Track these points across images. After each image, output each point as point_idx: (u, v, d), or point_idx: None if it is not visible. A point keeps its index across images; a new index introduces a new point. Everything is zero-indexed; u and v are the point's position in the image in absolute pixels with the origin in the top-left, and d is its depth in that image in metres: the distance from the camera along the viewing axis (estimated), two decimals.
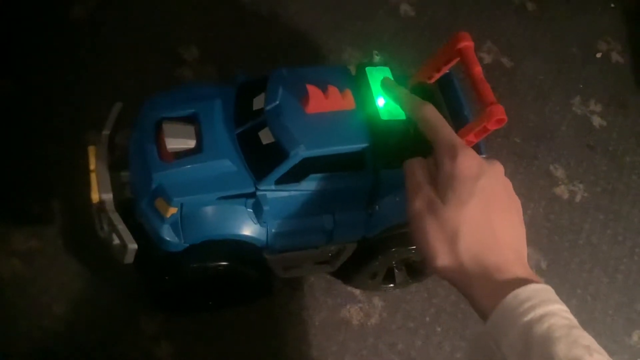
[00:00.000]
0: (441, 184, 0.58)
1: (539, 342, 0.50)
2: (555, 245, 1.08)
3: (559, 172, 1.15)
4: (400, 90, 0.69)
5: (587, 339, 0.51)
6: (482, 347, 0.55)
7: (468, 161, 0.58)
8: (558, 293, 0.55)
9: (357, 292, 0.95)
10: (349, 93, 0.71)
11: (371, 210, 0.76)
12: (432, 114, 0.63)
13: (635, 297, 1.06)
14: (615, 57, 1.31)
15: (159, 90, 0.78)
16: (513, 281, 0.55)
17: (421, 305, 0.97)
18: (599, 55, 1.31)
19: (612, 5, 1.39)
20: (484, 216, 0.57)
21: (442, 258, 0.57)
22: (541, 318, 0.51)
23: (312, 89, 0.68)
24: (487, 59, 1.24)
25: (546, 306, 0.52)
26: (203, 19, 1.14)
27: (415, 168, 0.62)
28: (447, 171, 0.58)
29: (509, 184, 0.63)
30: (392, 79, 0.72)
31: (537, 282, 0.54)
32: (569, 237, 1.09)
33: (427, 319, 0.96)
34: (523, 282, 0.54)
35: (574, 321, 0.53)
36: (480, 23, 1.28)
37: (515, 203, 0.62)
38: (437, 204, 0.58)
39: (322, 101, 0.69)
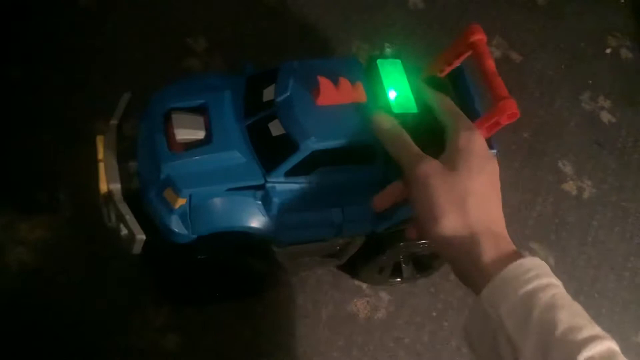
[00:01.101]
0: (452, 154, 0.61)
1: (541, 308, 0.52)
2: (563, 241, 1.07)
3: (567, 168, 1.14)
4: (416, 81, 0.71)
5: (588, 317, 0.53)
6: (476, 313, 0.56)
7: (481, 142, 0.63)
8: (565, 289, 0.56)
9: (364, 286, 0.95)
10: (360, 85, 0.70)
11: None
12: (447, 100, 0.68)
13: None
14: (624, 53, 1.31)
15: (168, 81, 0.77)
16: (515, 252, 0.58)
17: (428, 300, 0.97)
18: (608, 51, 1.31)
19: (622, 1, 1.38)
20: (489, 191, 0.61)
21: (451, 217, 0.59)
22: (546, 287, 0.53)
23: (323, 81, 0.68)
24: (496, 53, 1.23)
25: (550, 277, 0.55)
26: (212, 10, 1.13)
27: (402, 141, 0.64)
28: (462, 144, 0.61)
29: None
30: (404, 71, 0.72)
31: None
32: (576, 233, 1.09)
33: (434, 314, 0.96)
34: (522, 256, 0.57)
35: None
36: (489, 17, 1.27)
37: None
38: (446, 169, 0.60)
39: (333, 93, 0.68)
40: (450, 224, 0.58)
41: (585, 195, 1.13)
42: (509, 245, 0.59)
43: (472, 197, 0.59)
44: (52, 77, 1.01)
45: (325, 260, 0.86)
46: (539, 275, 0.54)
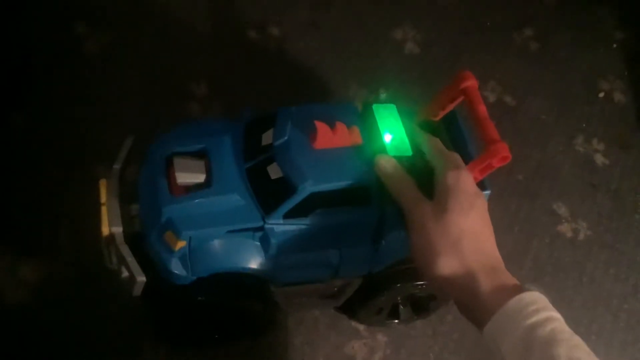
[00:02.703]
0: (441, 194, 0.63)
1: (541, 344, 0.53)
2: (559, 283, 1.08)
3: (562, 210, 1.16)
4: (410, 125, 0.73)
5: (587, 349, 0.54)
6: (486, 348, 0.57)
7: (469, 179, 0.64)
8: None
9: (361, 327, 0.96)
10: (356, 129, 0.72)
11: (377, 246, 0.77)
12: (437, 141, 0.69)
13: (639, 336, 1.06)
14: (617, 96, 1.33)
15: (169, 125, 0.79)
16: (514, 286, 0.59)
17: (425, 342, 0.97)
18: (601, 94, 1.33)
19: (615, 45, 1.41)
20: (481, 227, 0.63)
21: (447, 261, 0.60)
22: (545, 321, 0.54)
23: (320, 125, 0.69)
24: (491, 97, 1.25)
25: (550, 311, 0.55)
26: (212, 56, 1.16)
27: (404, 184, 0.66)
28: (450, 183, 0.62)
29: None
30: (398, 115, 0.74)
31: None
32: (572, 275, 1.09)
33: (431, 355, 0.96)
34: (521, 289, 0.57)
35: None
36: (483, 62, 1.30)
37: None
38: (438, 211, 0.61)
39: (330, 137, 0.70)
40: (447, 264, 0.60)
41: (581, 236, 1.14)
42: (507, 279, 0.60)
43: (466, 236, 0.60)
44: (55, 122, 1.03)
45: (323, 301, 0.87)
46: (538, 309, 0.55)
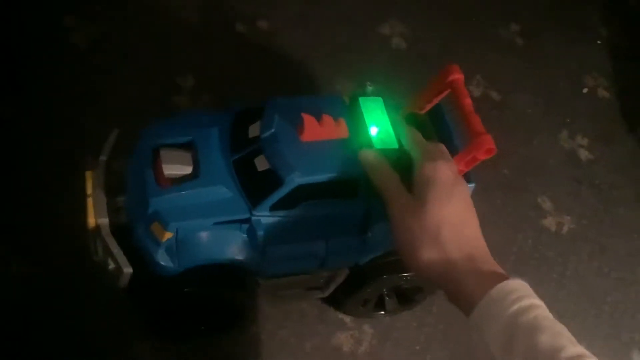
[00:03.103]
0: (419, 186, 0.63)
1: (524, 331, 0.53)
2: (543, 276, 1.09)
3: (547, 205, 1.17)
4: (393, 117, 0.73)
5: (570, 336, 0.54)
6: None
7: (447, 168, 0.63)
8: None
9: (347, 319, 0.96)
10: (342, 122, 0.72)
11: (363, 237, 0.78)
12: (415, 133, 0.69)
13: (622, 329, 1.08)
14: (601, 92, 1.34)
15: (156, 118, 0.79)
16: (497, 273, 0.59)
17: (411, 333, 0.98)
18: (585, 90, 1.34)
19: (599, 42, 1.42)
20: (462, 215, 0.63)
21: (428, 253, 0.60)
22: (527, 309, 0.54)
23: (307, 118, 0.70)
24: (477, 92, 1.26)
25: (532, 299, 0.56)
26: (201, 50, 1.16)
27: (386, 177, 0.66)
28: (426, 174, 0.62)
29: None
30: (384, 108, 0.74)
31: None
32: (556, 268, 1.11)
33: (417, 347, 0.97)
34: (504, 276, 0.58)
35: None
36: (470, 57, 1.31)
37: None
38: (416, 205, 0.62)
39: (317, 129, 0.70)
40: (428, 257, 0.60)
41: (565, 230, 1.15)
42: (489, 267, 0.60)
43: (445, 227, 0.60)
44: (42, 114, 1.02)
45: (310, 292, 0.87)
46: (520, 297, 0.55)
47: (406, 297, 0.94)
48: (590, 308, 1.08)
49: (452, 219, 0.61)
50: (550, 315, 0.56)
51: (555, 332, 0.53)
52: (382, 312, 0.96)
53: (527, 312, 0.54)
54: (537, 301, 0.56)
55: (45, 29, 1.11)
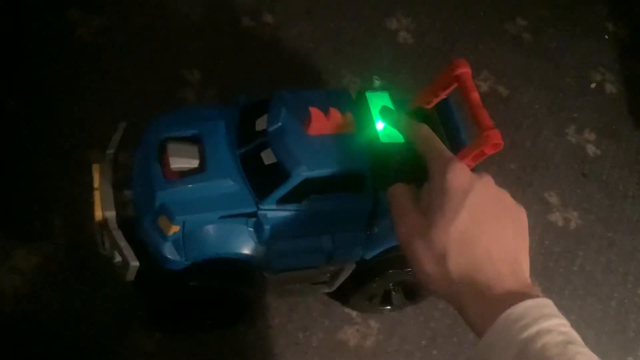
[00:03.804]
0: (429, 202, 0.58)
1: None
2: (549, 271, 1.09)
3: (554, 199, 1.16)
4: (396, 114, 0.71)
5: (585, 355, 0.50)
6: None
7: (458, 175, 0.58)
8: None
9: (353, 313, 0.96)
10: (349, 116, 0.72)
11: (370, 232, 0.77)
12: (425, 133, 0.63)
13: (628, 324, 1.07)
14: (609, 87, 1.34)
15: (163, 111, 0.79)
16: (506, 298, 0.53)
17: (417, 328, 0.98)
18: (593, 85, 1.34)
19: (606, 37, 1.42)
20: (474, 231, 0.56)
21: (434, 280, 0.57)
22: (535, 337, 0.50)
23: (314, 112, 0.70)
24: (484, 87, 1.26)
25: (540, 323, 0.51)
26: (206, 43, 1.16)
27: (399, 194, 0.62)
28: (437, 186, 0.58)
29: (503, 195, 0.62)
30: (391, 103, 0.74)
31: (533, 295, 0.53)
32: (562, 263, 1.10)
33: (424, 342, 0.97)
34: (517, 297, 0.52)
35: (573, 335, 0.51)
36: (477, 52, 1.31)
37: (514, 212, 0.61)
38: (422, 227, 0.57)
39: (324, 123, 0.70)
40: (436, 286, 0.57)
41: (572, 225, 1.15)
42: (498, 290, 0.55)
43: (450, 252, 0.56)
44: (48, 108, 1.02)
45: (316, 287, 0.87)
46: (527, 324, 0.51)
47: (413, 292, 0.94)
48: (597, 303, 1.08)
49: (460, 238, 0.56)
50: (561, 339, 0.50)
51: None
52: (389, 307, 0.95)
53: (534, 341, 0.50)
54: (545, 324, 0.51)
55: (50, 22, 1.11)
